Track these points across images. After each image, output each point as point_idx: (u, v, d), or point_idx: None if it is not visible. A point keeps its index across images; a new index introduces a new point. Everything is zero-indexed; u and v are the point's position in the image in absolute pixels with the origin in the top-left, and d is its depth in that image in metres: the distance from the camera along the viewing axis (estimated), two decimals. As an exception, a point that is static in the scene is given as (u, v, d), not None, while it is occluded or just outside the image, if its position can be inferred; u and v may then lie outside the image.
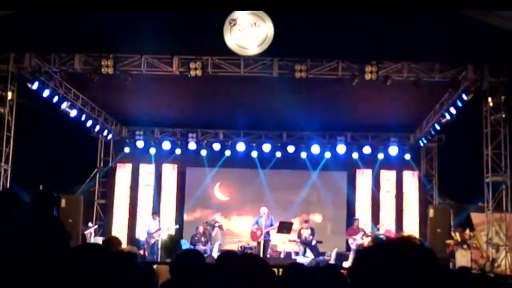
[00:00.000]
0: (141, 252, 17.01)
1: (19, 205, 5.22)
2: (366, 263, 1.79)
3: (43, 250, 4.48)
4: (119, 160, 21.27)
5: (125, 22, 12.79)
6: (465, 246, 15.57)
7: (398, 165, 20.68)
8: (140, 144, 20.79)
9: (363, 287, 1.77)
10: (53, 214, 5.28)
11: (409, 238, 1.85)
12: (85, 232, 17.99)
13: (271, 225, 16.98)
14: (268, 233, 16.86)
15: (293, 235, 17.53)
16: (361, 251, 1.86)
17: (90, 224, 19.18)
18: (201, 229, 18.20)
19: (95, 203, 20.78)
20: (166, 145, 20.71)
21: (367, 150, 20.34)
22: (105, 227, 20.44)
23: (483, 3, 11.88)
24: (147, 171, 21.32)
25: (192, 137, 20.55)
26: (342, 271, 5.53)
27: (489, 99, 14.54)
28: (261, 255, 15.70)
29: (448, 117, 15.83)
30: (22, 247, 4.65)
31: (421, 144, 19.95)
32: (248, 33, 13.21)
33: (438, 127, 17.28)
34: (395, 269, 1.72)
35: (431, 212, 17.76)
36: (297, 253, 17.44)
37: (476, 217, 16.83)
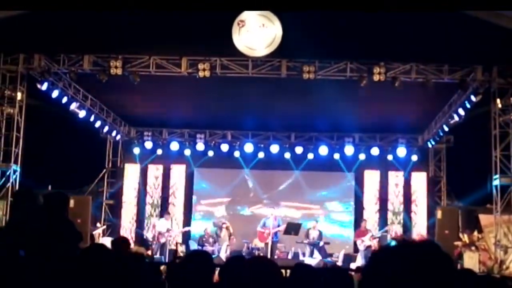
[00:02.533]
0: (149, 252, 17.07)
1: (32, 202, 5.24)
2: (383, 265, 1.78)
3: (53, 249, 4.51)
4: (128, 161, 21.34)
5: (134, 23, 12.85)
6: (473, 248, 15.52)
7: (406, 167, 20.63)
8: (148, 144, 20.85)
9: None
10: (65, 215, 5.31)
11: (427, 242, 1.85)
12: (94, 233, 18.06)
13: (279, 226, 16.99)
14: (275, 234, 16.86)
15: (300, 237, 17.50)
16: (378, 252, 1.86)
17: (98, 225, 19.24)
18: (209, 230, 18.25)
19: (104, 204, 20.84)
20: (174, 146, 20.75)
21: (375, 151, 20.31)
22: (113, 228, 20.50)
23: (483, 4, 11.83)
24: (155, 171, 21.38)
25: (200, 138, 20.58)
26: (349, 272, 5.54)
27: (498, 100, 14.49)
28: (269, 256, 15.71)
29: (456, 118, 15.79)
30: (34, 244, 4.68)
31: (430, 145, 19.90)
32: (257, 34, 13.21)
33: (446, 129, 17.23)
34: (414, 271, 1.72)
35: (439, 214, 17.75)
36: (304, 254, 17.43)
37: (484, 219, 16.75)
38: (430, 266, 1.73)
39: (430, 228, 19.27)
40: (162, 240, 17.37)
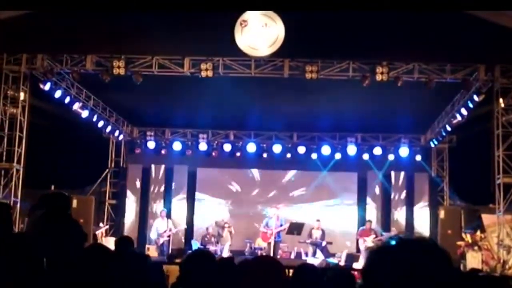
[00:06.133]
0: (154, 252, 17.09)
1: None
2: (381, 263, 1.78)
3: (58, 249, 4.52)
4: (130, 161, 21.36)
5: (137, 23, 12.86)
6: (476, 247, 15.50)
7: (409, 167, 20.61)
8: (151, 144, 20.86)
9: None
10: (70, 214, 5.31)
11: (424, 239, 1.85)
12: (96, 232, 18.09)
13: (281, 225, 16.98)
14: (278, 234, 16.86)
15: (302, 236, 17.49)
16: (375, 251, 1.86)
17: (101, 225, 19.27)
18: (211, 229, 18.26)
19: (106, 204, 20.86)
20: (177, 146, 20.76)
21: (377, 151, 20.30)
22: (116, 228, 20.51)
23: (484, 4, 11.82)
24: (158, 171, 21.38)
25: (203, 138, 20.60)
26: (352, 272, 5.54)
27: (501, 100, 14.46)
28: (271, 255, 15.71)
29: (459, 118, 15.78)
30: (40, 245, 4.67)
31: (432, 145, 19.89)
32: (259, 34, 13.20)
33: (449, 128, 17.21)
34: (410, 270, 1.72)
35: (442, 214, 17.74)
36: (307, 254, 17.43)
37: (487, 219, 16.74)
38: (427, 263, 1.73)
39: (433, 228, 19.25)
40: (161, 241, 17.37)
